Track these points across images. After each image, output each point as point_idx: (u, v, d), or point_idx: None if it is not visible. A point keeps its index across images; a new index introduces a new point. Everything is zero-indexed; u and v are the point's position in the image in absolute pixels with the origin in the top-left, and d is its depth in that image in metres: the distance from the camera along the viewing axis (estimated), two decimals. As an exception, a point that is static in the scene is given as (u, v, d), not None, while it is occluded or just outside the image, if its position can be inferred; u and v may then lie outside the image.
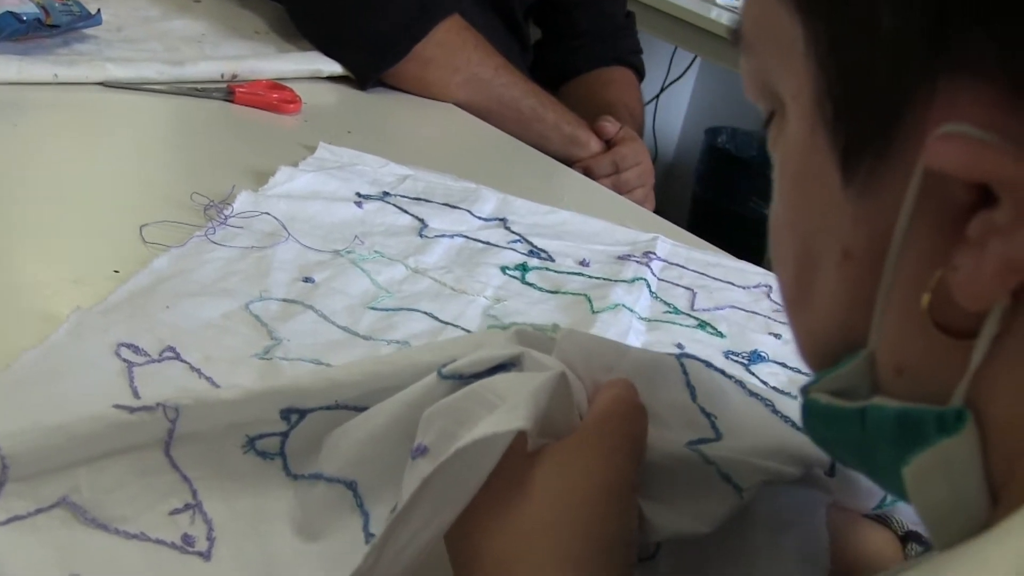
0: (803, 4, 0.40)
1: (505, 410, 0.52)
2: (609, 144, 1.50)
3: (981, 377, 0.36)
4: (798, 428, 0.61)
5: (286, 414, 0.61)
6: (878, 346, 0.40)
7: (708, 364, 0.62)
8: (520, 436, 0.52)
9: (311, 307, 0.85)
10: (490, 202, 1.13)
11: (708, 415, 0.59)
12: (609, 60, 1.72)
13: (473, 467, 0.52)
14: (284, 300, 0.85)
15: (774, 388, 0.89)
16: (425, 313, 0.89)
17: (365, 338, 0.83)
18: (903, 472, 0.38)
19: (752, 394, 0.62)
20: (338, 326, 0.84)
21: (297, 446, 0.62)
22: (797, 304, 0.45)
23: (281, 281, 0.88)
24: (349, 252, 0.95)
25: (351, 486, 0.60)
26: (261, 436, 0.61)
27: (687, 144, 3.50)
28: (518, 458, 0.52)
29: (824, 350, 0.44)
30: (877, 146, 0.38)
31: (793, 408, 0.63)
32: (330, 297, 0.87)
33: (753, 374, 0.92)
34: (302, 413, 0.61)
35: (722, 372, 0.62)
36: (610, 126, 1.50)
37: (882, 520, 0.65)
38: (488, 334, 0.62)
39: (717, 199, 3.26)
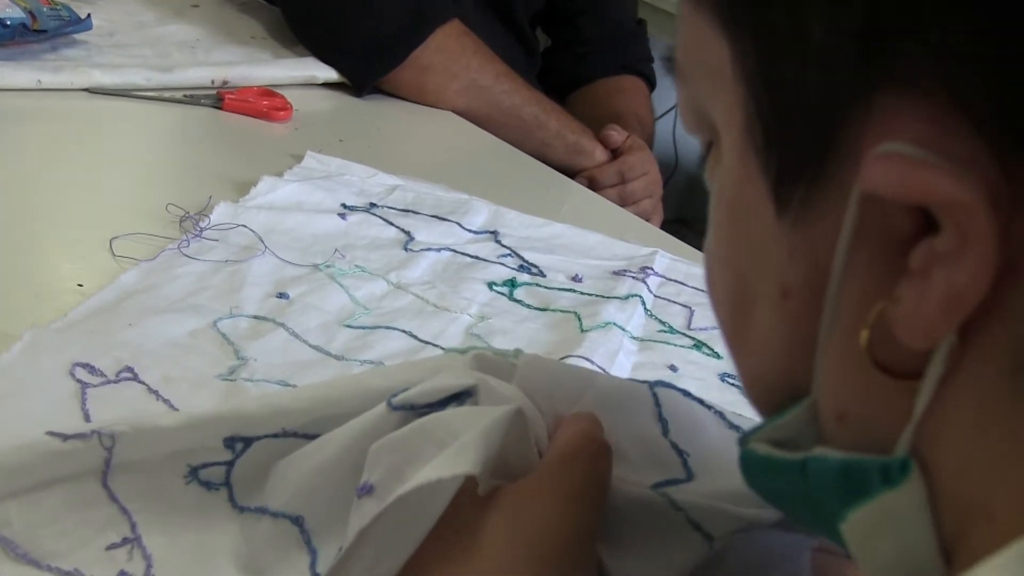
0: (727, 18, 0.36)
1: (454, 452, 0.48)
2: (615, 153, 1.46)
3: (927, 422, 0.33)
4: None
5: (230, 442, 0.57)
6: (821, 392, 0.37)
7: (686, 393, 0.58)
8: (471, 478, 0.48)
9: (282, 325, 0.82)
10: (481, 214, 1.09)
11: (680, 452, 0.55)
12: (617, 68, 1.67)
13: (420, 512, 0.48)
14: (255, 317, 0.82)
15: None
16: (403, 331, 0.85)
17: (338, 358, 0.79)
18: (841, 528, 0.35)
19: (732, 426, 0.58)
20: (310, 345, 0.80)
21: (243, 475, 0.58)
22: (736, 346, 0.42)
23: (253, 297, 0.84)
24: (328, 266, 0.92)
25: (297, 521, 0.56)
26: (205, 465, 0.58)
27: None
28: (468, 503, 0.48)
29: (769, 396, 0.40)
30: (811, 171, 0.34)
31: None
32: (304, 314, 0.84)
33: (748, 397, 0.88)
34: (247, 441, 0.57)
35: (700, 401, 0.58)
36: (616, 135, 1.46)
37: None
38: (446, 358, 0.58)
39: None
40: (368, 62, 1.35)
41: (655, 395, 0.57)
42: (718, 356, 0.93)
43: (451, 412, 0.52)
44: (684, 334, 0.96)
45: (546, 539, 0.47)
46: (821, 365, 0.36)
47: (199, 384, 0.72)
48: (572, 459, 0.50)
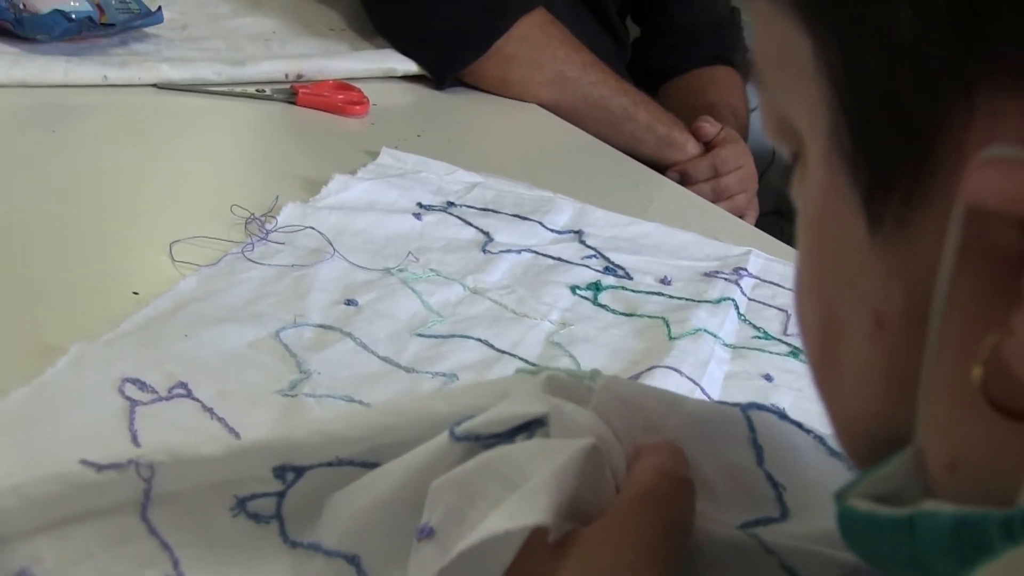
0: (807, 10, 0.32)
1: (523, 497, 0.42)
2: (708, 147, 1.38)
3: None
4: None
5: (280, 472, 0.52)
6: (927, 437, 0.32)
7: (783, 416, 0.52)
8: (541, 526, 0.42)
9: (349, 334, 0.76)
10: (566, 212, 1.03)
11: (775, 484, 0.49)
12: (710, 59, 1.60)
13: (485, 561, 0.42)
14: (320, 326, 0.77)
15: None
16: (479, 340, 0.79)
17: (407, 370, 0.74)
18: None
19: (833, 453, 0.51)
20: (378, 356, 0.75)
21: (295, 508, 0.53)
22: (826, 386, 0.37)
23: (320, 304, 0.79)
24: (401, 270, 0.86)
25: (353, 561, 0.51)
26: (253, 496, 0.52)
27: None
28: (537, 552, 0.42)
29: (864, 441, 0.36)
30: (907, 181, 0.30)
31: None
32: (374, 322, 0.78)
33: (854, 413, 0.80)
34: (299, 471, 0.52)
35: (799, 425, 0.52)
36: (709, 127, 1.38)
37: None
38: (515, 380, 0.52)
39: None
40: (449, 53, 1.30)
41: (748, 419, 0.50)
42: (820, 366, 0.86)
43: (519, 446, 0.46)
44: (780, 340, 0.89)
45: None
46: (926, 406, 0.31)
47: (256, 400, 0.67)
48: (647, 501, 0.44)
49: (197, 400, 0.66)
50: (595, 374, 0.50)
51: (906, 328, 0.31)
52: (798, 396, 0.81)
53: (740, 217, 1.32)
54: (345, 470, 0.52)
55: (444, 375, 0.74)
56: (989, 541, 0.29)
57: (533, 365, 0.52)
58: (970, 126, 0.28)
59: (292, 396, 0.68)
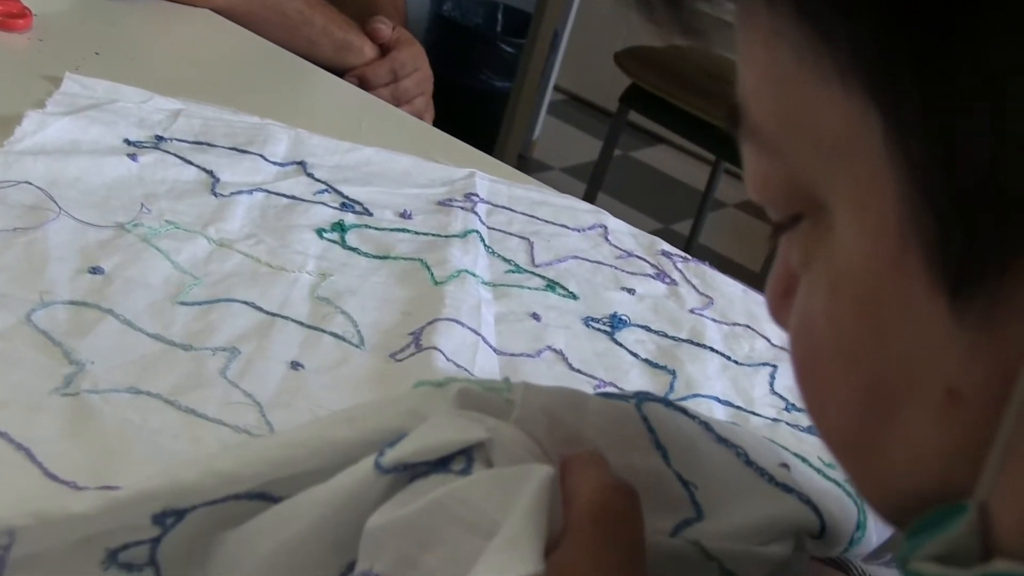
0: (881, 80, 0.30)
1: (505, 549, 0.39)
2: (384, 49, 1.35)
3: None
4: (775, 482, 0.52)
5: (160, 518, 0.46)
6: (991, 498, 0.32)
7: (667, 403, 0.52)
8: None
9: (110, 311, 0.69)
10: (282, 142, 0.97)
11: (686, 484, 0.49)
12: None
13: None
14: (72, 303, 0.69)
15: (732, 406, 0.79)
16: (245, 303, 0.74)
17: (185, 348, 0.68)
18: None
19: (720, 439, 0.52)
20: (148, 334, 0.68)
21: (175, 552, 0.47)
22: (861, 450, 0.35)
23: (62, 275, 0.71)
24: (136, 225, 0.79)
25: None
26: (125, 547, 0.47)
27: (414, 14, 3.34)
28: None
29: (904, 502, 0.35)
30: (1001, 264, 0.29)
31: (759, 448, 0.54)
32: (129, 293, 0.71)
33: (620, 344, 0.82)
34: (180, 514, 0.46)
35: (684, 411, 0.52)
36: (384, 28, 1.34)
37: (840, 565, 0.58)
38: (422, 395, 0.48)
39: (447, 72, 3.14)
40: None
41: (644, 417, 0.50)
42: (574, 296, 0.87)
43: (469, 483, 0.43)
44: (532, 273, 0.89)
45: None
46: (995, 469, 0.31)
47: (34, 405, 0.59)
48: (607, 521, 0.42)
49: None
50: (509, 385, 0.48)
51: (985, 402, 0.30)
52: (568, 333, 0.81)
53: (420, 119, 1.30)
54: (230, 505, 0.47)
55: (225, 350, 0.69)
56: None
57: (438, 383, 0.49)
58: None
59: (73, 395, 0.61)
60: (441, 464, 0.44)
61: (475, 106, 2.89)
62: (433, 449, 0.44)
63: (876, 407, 0.33)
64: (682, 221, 3.24)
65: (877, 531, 0.57)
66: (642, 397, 0.51)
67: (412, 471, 0.45)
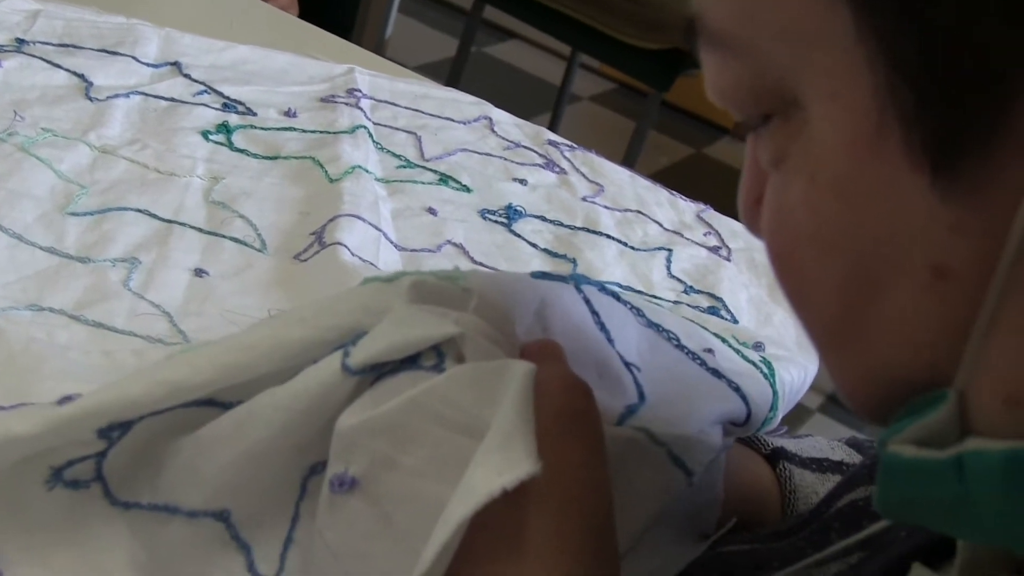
0: None
1: (500, 448, 0.38)
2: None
3: None
4: (706, 367, 0.52)
5: (105, 432, 0.44)
6: (974, 379, 0.32)
7: (602, 288, 0.51)
8: None
9: (-2, 226, 0.66)
10: (152, 42, 0.93)
11: (628, 366, 0.49)
12: None
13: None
14: (-45, 219, 0.65)
15: (641, 293, 0.79)
16: (139, 211, 0.71)
17: (82, 260, 0.65)
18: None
19: (651, 323, 0.52)
20: (41, 248, 0.65)
21: (121, 464, 0.45)
22: (842, 340, 0.35)
23: (-60, 191, 0.67)
24: (12, 134, 0.74)
25: (222, 516, 0.45)
26: (70, 463, 0.45)
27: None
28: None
29: (888, 391, 0.35)
30: (985, 134, 0.29)
31: (687, 332, 0.55)
32: (15, 205, 0.68)
33: (518, 235, 0.82)
34: (126, 426, 0.44)
35: (615, 295, 0.52)
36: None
37: (747, 442, 0.59)
38: (373, 291, 0.46)
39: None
40: None
41: (586, 299, 0.50)
42: (468, 189, 0.86)
43: (445, 380, 0.41)
44: (424, 167, 0.87)
45: (580, 521, 0.40)
46: (980, 349, 0.31)
47: (-70, 330, 0.57)
48: (566, 419, 0.42)
49: None
50: (460, 274, 0.46)
51: (972, 276, 0.31)
52: (467, 227, 0.81)
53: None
54: (177, 413, 0.45)
55: (124, 260, 0.66)
56: None
57: (388, 277, 0.47)
58: None
59: (-30, 316, 0.58)
60: (410, 361, 0.43)
61: (327, 4, 2.82)
62: (403, 347, 0.43)
63: (860, 291, 0.33)
64: (540, 115, 3.23)
65: (784, 410, 0.59)
66: (579, 279, 0.50)
67: (379, 369, 0.43)
